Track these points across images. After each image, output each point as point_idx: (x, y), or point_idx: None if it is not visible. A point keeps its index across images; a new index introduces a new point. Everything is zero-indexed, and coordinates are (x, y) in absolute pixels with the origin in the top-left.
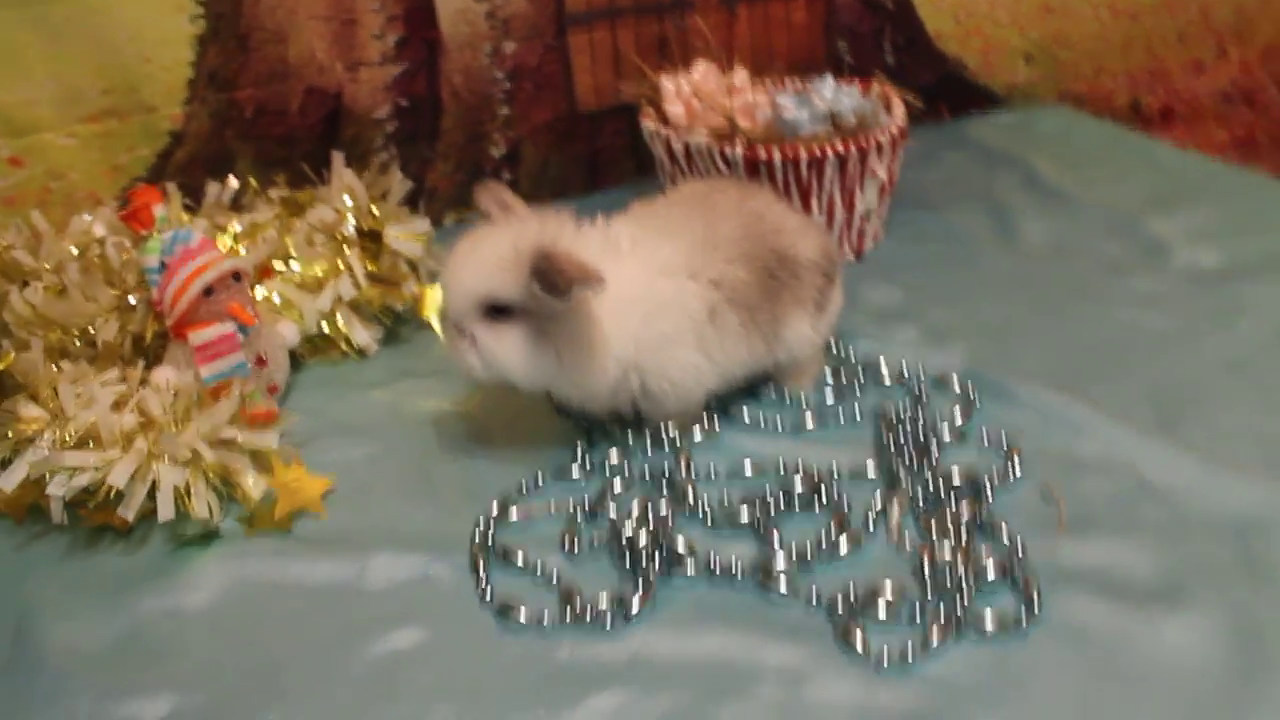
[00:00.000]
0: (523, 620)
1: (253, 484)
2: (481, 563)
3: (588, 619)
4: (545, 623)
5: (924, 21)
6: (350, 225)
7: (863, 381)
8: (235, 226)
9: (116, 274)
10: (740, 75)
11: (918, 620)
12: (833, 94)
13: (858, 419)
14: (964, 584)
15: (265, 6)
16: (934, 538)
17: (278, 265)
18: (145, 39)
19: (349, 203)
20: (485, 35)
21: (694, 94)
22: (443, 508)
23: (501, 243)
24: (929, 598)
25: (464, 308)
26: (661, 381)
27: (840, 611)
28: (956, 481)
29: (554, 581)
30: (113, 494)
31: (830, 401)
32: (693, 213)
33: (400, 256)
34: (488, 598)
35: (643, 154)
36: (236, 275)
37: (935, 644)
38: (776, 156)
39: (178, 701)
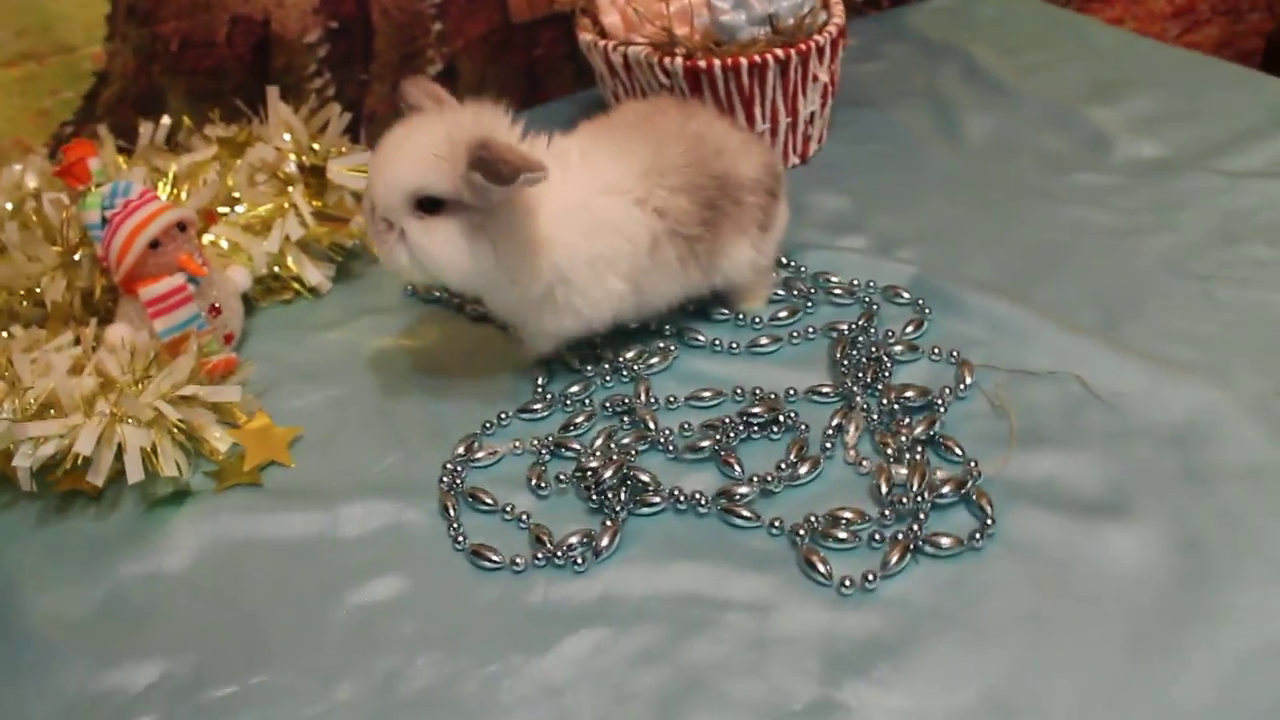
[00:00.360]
0: (495, 562)
1: (219, 439)
2: (451, 507)
3: (558, 559)
4: (519, 565)
5: None
6: (292, 163)
7: (814, 295)
8: (174, 169)
9: (57, 230)
10: None
11: (876, 542)
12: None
13: (811, 335)
14: (919, 503)
15: None
16: (890, 456)
17: (221, 209)
18: None
19: (288, 139)
20: None
21: (629, 1)
22: (409, 450)
23: (434, 132)
24: (886, 518)
25: (393, 201)
26: (579, 299)
27: (802, 537)
28: (910, 397)
29: (523, 522)
30: (80, 460)
31: (784, 316)
32: (638, 135)
33: (345, 190)
34: (460, 542)
35: (582, 63)
36: (181, 225)
37: (894, 565)
38: (717, 66)
39: (167, 666)
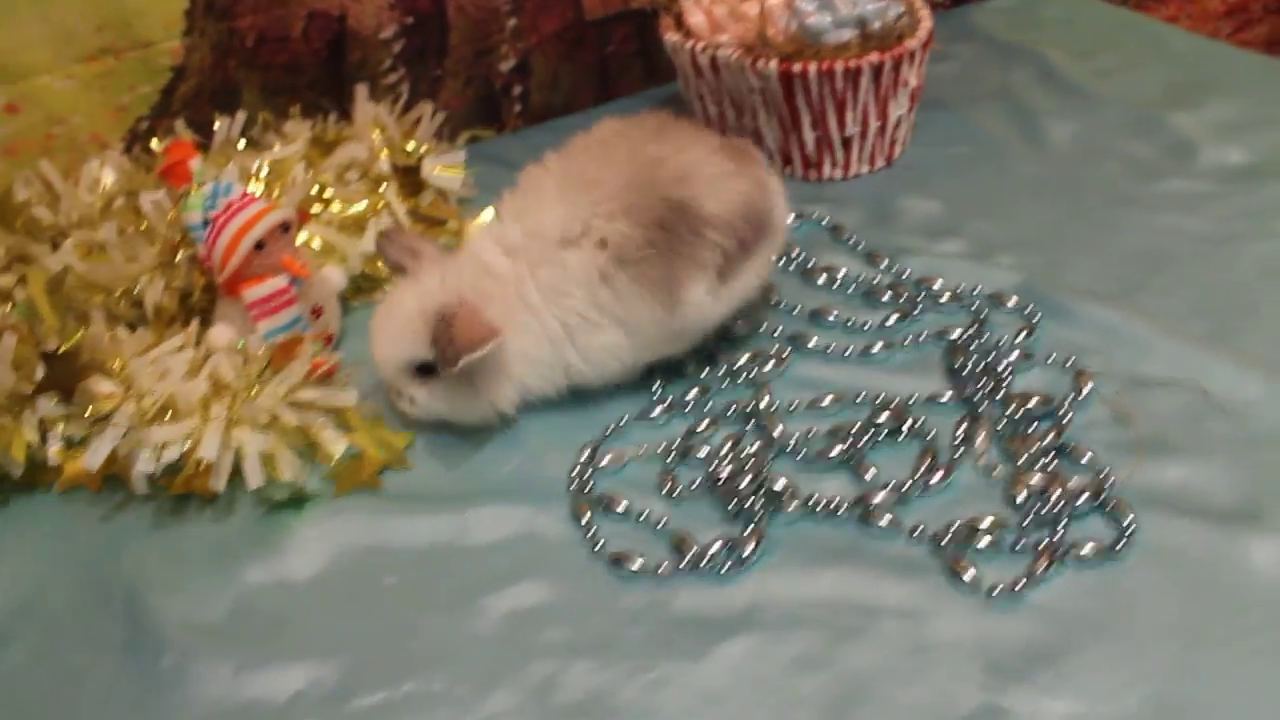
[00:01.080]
0: (636, 569)
1: (334, 443)
2: (585, 513)
3: (702, 565)
4: (662, 572)
5: None
6: (384, 162)
7: (921, 301)
8: (264, 167)
9: (156, 231)
10: None
11: (1018, 549)
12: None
13: (922, 341)
14: (1058, 510)
15: None
16: (1021, 464)
17: (314, 208)
18: None
19: (376, 137)
20: None
21: (710, 3)
22: (529, 455)
23: (408, 307)
24: (1025, 526)
25: (392, 374)
26: (583, 367)
27: (945, 544)
28: (1032, 405)
29: (659, 527)
30: (201, 465)
31: (892, 323)
32: (584, 167)
33: (440, 190)
34: (597, 548)
35: (653, 60)
36: (284, 226)
37: (1041, 573)
38: (812, 70)
39: (310, 674)
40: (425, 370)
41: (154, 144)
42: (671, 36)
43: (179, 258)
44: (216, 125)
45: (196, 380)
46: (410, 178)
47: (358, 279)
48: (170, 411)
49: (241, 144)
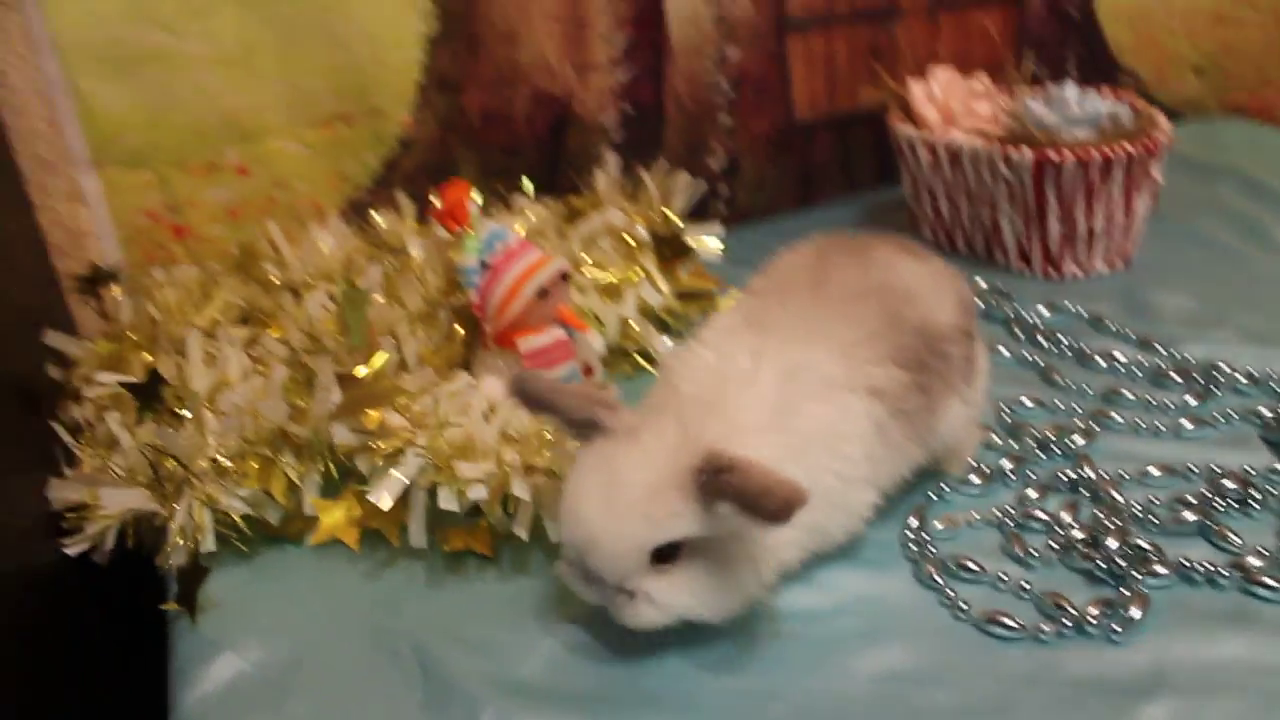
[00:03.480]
0: (1014, 629)
1: None
2: (936, 574)
3: (1086, 628)
4: (1045, 634)
5: (1106, 36)
6: (642, 228)
7: (1215, 384)
8: (520, 229)
9: (419, 278)
10: (983, 80)
11: None
12: (1078, 99)
13: (1233, 420)
14: None
15: (497, 5)
16: None
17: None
18: (379, 39)
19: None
20: (711, 39)
21: (945, 97)
22: None
23: (637, 470)
24: None
25: (624, 566)
26: (838, 531)
27: None
28: None
29: (1025, 591)
30: (504, 507)
31: (1193, 403)
32: (819, 299)
33: (699, 260)
34: (963, 611)
35: (853, 169)
36: (565, 276)
37: None
38: (1069, 158)
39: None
40: (666, 556)
41: (372, 214)
42: (906, 129)
43: (441, 309)
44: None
45: (492, 424)
46: (668, 247)
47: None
48: (466, 452)
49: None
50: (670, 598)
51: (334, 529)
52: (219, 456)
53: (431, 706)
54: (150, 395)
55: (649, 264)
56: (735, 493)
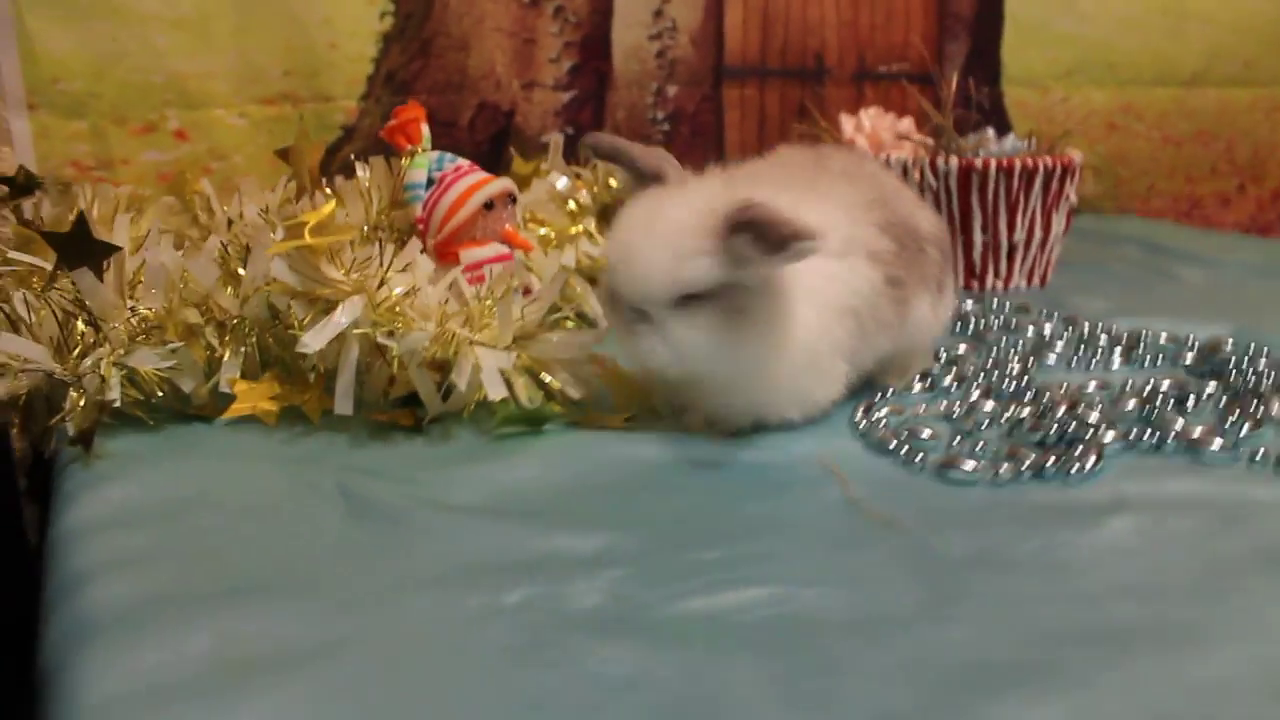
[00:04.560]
0: (970, 472)
1: (569, 383)
2: (888, 438)
3: (1044, 472)
4: (1000, 475)
5: (1013, 124)
6: (585, 193)
7: (1141, 344)
8: None
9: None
10: (906, 122)
11: None
12: (996, 138)
13: (1159, 360)
14: None
15: (453, 13)
16: None
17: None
18: (336, 26)
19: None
20: (652, 75)
21: (873, 128)
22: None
23: (679, 213)
24: None
25: (654, 294)
26: (817, 388)
27: None
28: None
29: (976, 450)
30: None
31: (1119, 351)
32: (823, 175)
33: None
34: (919, 459)
35: None
36: (512, 198)
37: None
38: (993, 164)
39: (611, 540)
40: (691, 301)
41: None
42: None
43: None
44: None
45: (437, 286)
46: (611, 211)
47: None
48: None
49: None
50: (683, 335)
51: (250, 403)
52: (141, 313)
53: (354, 515)
54: (75, 247)
55: (590, 225)
56: (752, 219)
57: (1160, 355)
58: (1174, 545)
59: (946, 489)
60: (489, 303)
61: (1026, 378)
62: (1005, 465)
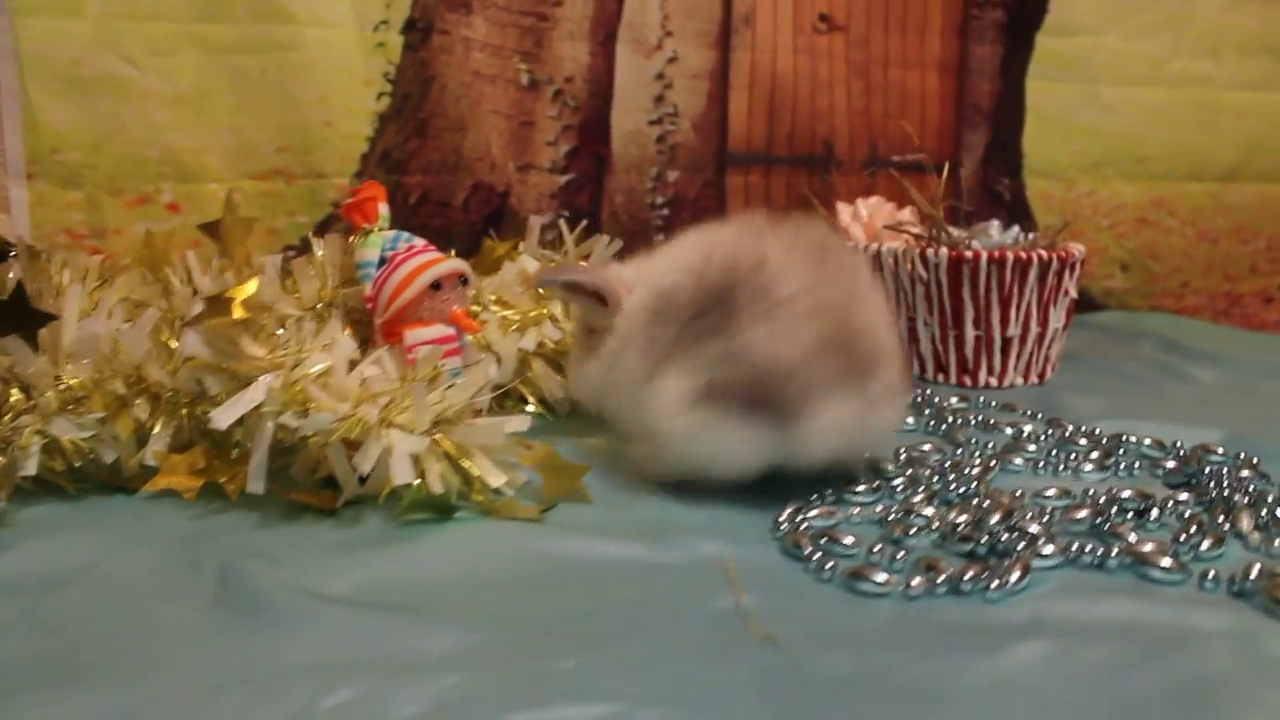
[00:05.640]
0: (881, 584)
1: (489, 471)
2: (804, 544)
3: (964, 586)
4: (914, 590)
5: (1036, 217)
6: None
7: (1122, 447)
8: None
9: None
10: (906, 213)
11: None
12: (999, 230)
13: (1136, 469)
14: None
15: (451, 95)
16: None
17: (475, 309)
18: (331, 105)
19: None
20: (652, 159)
21: (870, 217)
22: (720, 514)
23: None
24: None
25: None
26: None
27: (1255, 582)
28: None
29: (897, 561)
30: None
31: (1095, 457)
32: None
33: None
34: (828, 568)
35: None
36: (463, 279)
37: None
38: (984, 257)
39: (464, 641)
40: (593, 335)
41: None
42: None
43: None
44: None
45: (354, 374)
46: None
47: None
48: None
49: None
50: (576, 358)
51: (171, 476)
52: (68, 383)
53: (220, 600)
54: (11, 315)
55: (556, 309)
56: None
57: (1138, 462)
58: (1077, 680)
59: (853, 601)
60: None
61: (976, 483)
62: (919, 578)
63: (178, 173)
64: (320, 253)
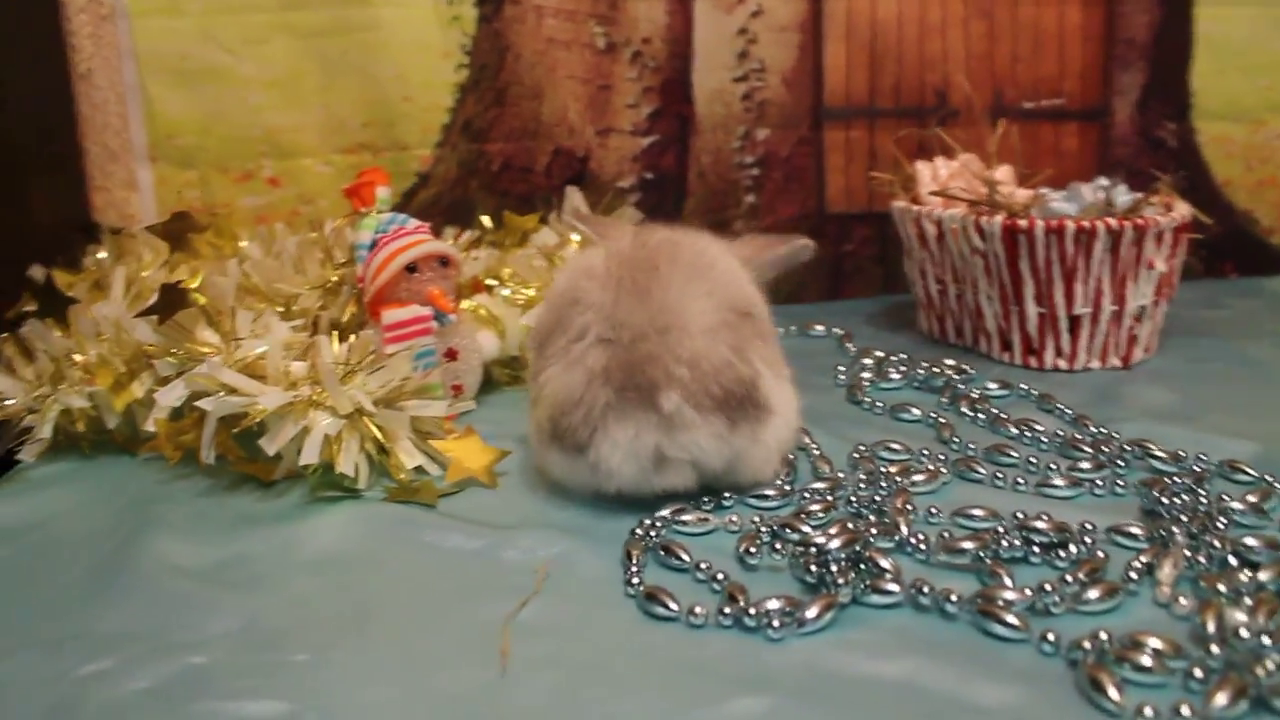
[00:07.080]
0: (669, 611)
1: (407, 453)
2: (636, 555)
3: (748, 621)
4: (697, 618)
5: (1210, 165)
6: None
7: (1128, 455)
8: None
9: (330, 254)
10: (1004, 170)
11: (1197, 680)
12: (1105, 191)
13: (1120, 490)
14: (1264, 647)
15: (526, 63)
16: (1222, 597)
17: (490, 281)
18: (410, 80)
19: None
20: (739, 118)
21: (950, 178)
22: (609, 507)
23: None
24: (1212, 655)
25: None
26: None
27: (1086, 652)
28: (1252, 545)
29: (718, 583)
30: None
31: (1086, 467)
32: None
33: None
34: (633, 587)
35: (891, 267)
36: (444, 260)
37: (1222, 708)
38: (1039, 226)
39: (247, 620)
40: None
41: None
42: (898, 204)
43: (340, 278)
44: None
45: (293, 356)
46: None
47: (513, 363)
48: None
49: None
50: None
51: (158, 441)
52: (77, 359)
53: (102, 563)
54: (47, 300)
55: None
56: None
57: (1124, 479)
58: None
59: (639, 625)
60: (341, 368)
61: (898, 498)
62: (703, 607)
63: (276, 150)
64: (329, 230)
